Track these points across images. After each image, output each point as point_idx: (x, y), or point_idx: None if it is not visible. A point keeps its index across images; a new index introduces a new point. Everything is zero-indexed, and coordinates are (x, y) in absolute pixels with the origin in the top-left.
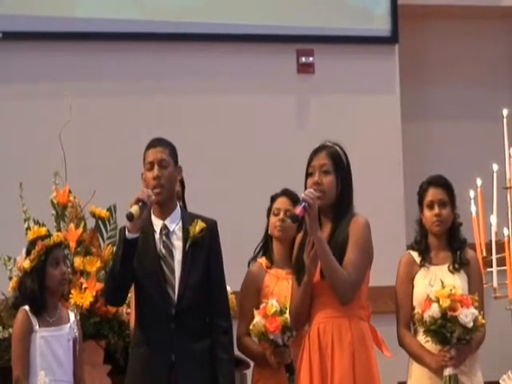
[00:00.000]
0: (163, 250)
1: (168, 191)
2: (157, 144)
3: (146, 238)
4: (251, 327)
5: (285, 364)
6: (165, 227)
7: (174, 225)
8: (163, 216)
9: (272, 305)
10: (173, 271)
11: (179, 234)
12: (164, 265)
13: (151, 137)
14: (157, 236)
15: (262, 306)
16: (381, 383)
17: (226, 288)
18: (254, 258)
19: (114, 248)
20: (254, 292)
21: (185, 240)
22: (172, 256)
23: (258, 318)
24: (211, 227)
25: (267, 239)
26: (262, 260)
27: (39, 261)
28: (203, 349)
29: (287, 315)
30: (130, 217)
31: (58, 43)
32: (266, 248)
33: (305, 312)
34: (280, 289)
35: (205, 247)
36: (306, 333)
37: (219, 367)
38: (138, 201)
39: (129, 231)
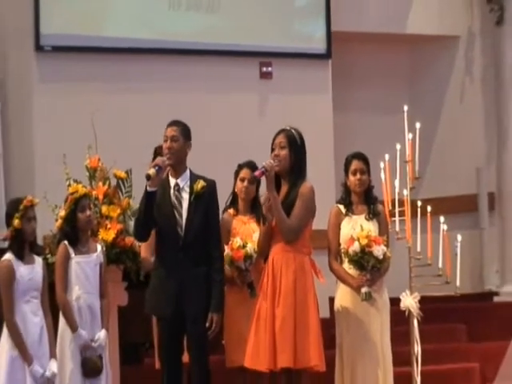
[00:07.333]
0: (175, 201)
1: (177, 158)
2: (172, 124)
3: (164, 192)
4: (224, 257)
5: (247, 283)
6: (176, 184)
7: (184, 183)
8: (176, 176)
9: (236, 241)
10: (181, 216)
11: (187, 189)
12: (175, 211)
13: (160, 125)
14: (171, 191)
15: (230, 243)
16: (316, 298)
17: (219, 229)
18: (225, 209)
19: (131, 200)
20: (226, 233)
21: (190, 194)
22: (181, 205)
23: (227, 251)
24: (210, 186)
25: (234, 195)
26: (231, 210)
27: (70, 209)
28: (202, 272)
29: (247, 248)
30: (147, 177)
31: (91, 55)
32: (233, 201)
33: (266, 245)
34: (243, 230)
35: (205, 200)
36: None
37: (213, 287)
38: (154, 165)
39: (149, 186)
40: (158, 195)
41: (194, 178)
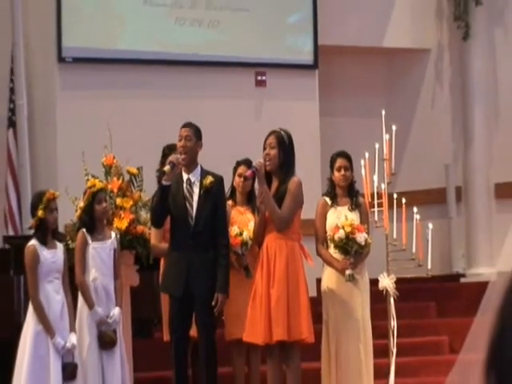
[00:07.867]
0: (187, 194)
1: (190, 156)
2: (186, 125)
3: (178, 185)
4: None
5: (243, 266)
6: (188, 179)
7: (195, 178)
8: (188, 172)
9: (234, 229)
10: (192, 207)
11: (197, 184)
12: (187, 203)
13: (168, 127)
14: (184, 185)
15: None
16: (305, 279)
17: (226, 219)
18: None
19: (142, 193)
20: None
21: (200, 188)
22: (192, 197)
23: None
24: (218, 180)
25: (233, 188)
26: (229, 202)
27: (88, 201)
28: (209, 257)
29: (244, 236)
30: (163, 173)
31: (107, 65)
32: (231, 194)
33: (261, 233)
34: (240, 219)
35: (213, 193)
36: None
37: (219, 270)
38: (169, 162)
39: (164, 180)
40: (173, 189)
41: (204, 173)
